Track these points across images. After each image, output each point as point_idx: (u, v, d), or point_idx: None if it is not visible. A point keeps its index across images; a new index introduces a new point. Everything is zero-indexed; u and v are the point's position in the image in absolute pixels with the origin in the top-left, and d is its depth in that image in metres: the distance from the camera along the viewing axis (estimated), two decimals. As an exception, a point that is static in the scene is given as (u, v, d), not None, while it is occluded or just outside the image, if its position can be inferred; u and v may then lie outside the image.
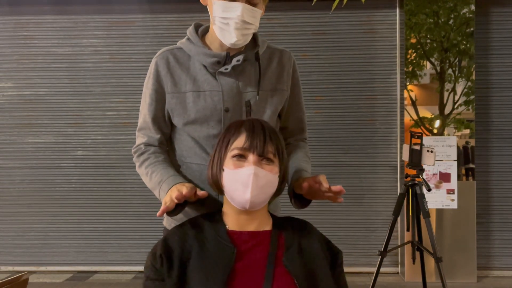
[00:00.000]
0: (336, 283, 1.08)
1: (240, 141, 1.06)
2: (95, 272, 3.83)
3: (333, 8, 2.23)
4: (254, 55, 1.26)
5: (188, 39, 1.29)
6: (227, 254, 1.02)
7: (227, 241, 1.04)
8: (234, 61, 1.22)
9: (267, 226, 1.11)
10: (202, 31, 1.32)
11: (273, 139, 1.07)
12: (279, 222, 1.13)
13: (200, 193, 1.14)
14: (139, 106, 1.33)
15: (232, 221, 1.09)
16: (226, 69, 1.22)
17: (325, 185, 1.10)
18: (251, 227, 1.08)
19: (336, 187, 1.10)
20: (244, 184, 1.02)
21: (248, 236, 1.07)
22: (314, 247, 1.08)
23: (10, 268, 3.89)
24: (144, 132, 1.31)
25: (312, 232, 1.12)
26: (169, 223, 1.34)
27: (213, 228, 1.08)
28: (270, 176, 1.05)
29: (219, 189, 1.10)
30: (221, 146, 1.09)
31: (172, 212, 1.12)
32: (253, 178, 1.02)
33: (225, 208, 1.11)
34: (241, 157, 1.05)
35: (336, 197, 1.12)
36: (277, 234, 1.08)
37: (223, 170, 1.07)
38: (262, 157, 1.05)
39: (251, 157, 1.04)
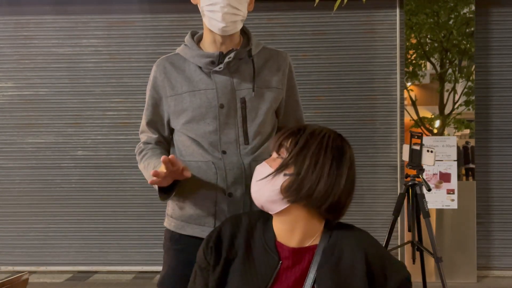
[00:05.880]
0: None
1: None
2: (95, 272, 3.83)
3: (335, 8, 2.23)
4: (246, 53, 1.28)
5: (185, 45, 1.33)
6: (271, 265, 0.98)
7: (273, 252, 0.99)
8: (226, 59, 1.25)
9: (314, 238, 1.01)
10: (198, 37, 1.36)
11: None
12: (329, 233, 1.02)
13: (186, 173, 1.17)
14: (139, 106, 1.38)
15: (278, 231, 1.02)
16: (220, 67, 1.25)
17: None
18: (295, 240, 1.00)
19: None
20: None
21: (289, 253, 1.00)
22: (355, 264, 0.97)
23: (10, 268, 3.89)
24: (144, 134, 1.39)
25: (360, 245, 0.99)
26: (169, 223, 1.35)
27: (263, 235, 1.03)
28: None
29: None
30: None
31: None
32: None
33: (274, 218, 1.04)
34: None
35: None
36: (321, 250, 1.00)
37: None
38: None
39: None
